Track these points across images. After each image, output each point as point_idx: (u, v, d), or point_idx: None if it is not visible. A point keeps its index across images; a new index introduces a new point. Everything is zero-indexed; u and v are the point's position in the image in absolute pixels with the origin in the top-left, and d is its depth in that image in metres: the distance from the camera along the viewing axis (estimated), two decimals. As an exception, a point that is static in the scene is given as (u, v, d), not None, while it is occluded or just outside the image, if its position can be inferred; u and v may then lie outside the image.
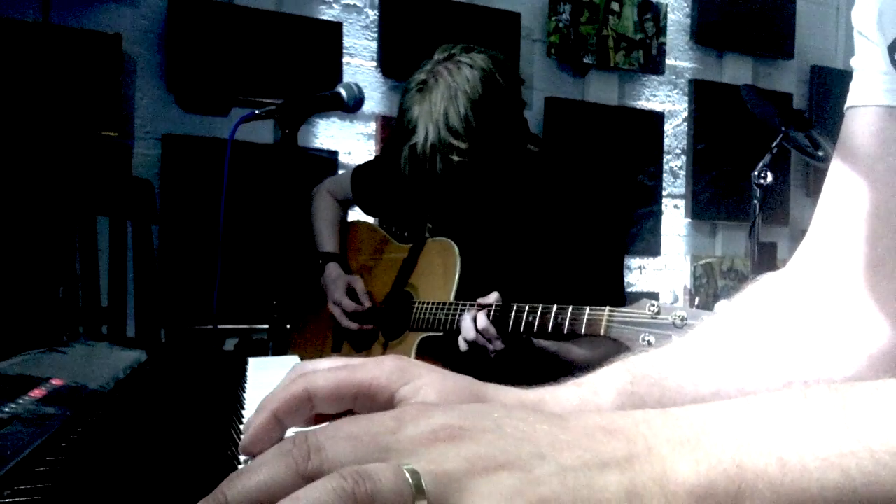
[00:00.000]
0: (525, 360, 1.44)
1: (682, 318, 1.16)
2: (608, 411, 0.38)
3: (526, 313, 1.37)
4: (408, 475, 0.30)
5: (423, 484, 0.30)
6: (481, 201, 1.56)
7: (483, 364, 1.42)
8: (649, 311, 1.20)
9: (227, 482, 0.32)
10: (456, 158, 1.43)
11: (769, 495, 0.32)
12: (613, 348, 1.40)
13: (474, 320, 1.41)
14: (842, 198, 0.65)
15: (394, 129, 1.59)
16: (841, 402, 0.34)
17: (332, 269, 1.81)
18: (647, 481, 0.33)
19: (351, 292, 1.74)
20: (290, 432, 0.50)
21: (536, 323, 1.35)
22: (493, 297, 1.42)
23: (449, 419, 0.34)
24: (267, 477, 0.31)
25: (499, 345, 1.41)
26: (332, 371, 0.47)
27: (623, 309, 1.24)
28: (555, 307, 1.32)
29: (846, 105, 0.66)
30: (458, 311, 1.48)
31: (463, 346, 1.44)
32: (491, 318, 1.41)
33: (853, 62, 0.66)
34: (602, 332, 1.25)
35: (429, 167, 1.46)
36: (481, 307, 1.42)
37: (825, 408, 0.34)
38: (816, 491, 0.32)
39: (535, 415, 0.36)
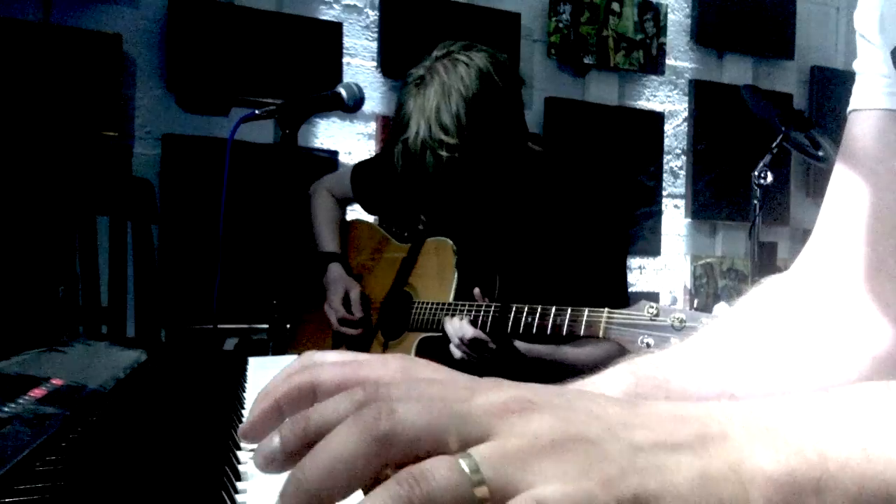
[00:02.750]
0: (517, 364, 1.44)
1: (681, 321, 1.16)
2: (677, 401, 0.37)
3: (525, 314, 1.37)
4: (465, 466, 0.29)
5: (482, 472, 0.29)
6: (476, 199, 1.56)
7: (481, 365, 1.42)
8: (648, 312, 1.20)
9: (304, 460, 0.31)
10: (445, 155, 1.43)
11: (852, 487, 0.31)
12: (607, 350, 1.40)
13: (460, 329, 1.42)
14: (845, 201, 0.65)
15: (392, 123, 1.59)
16: None
17: (334, 270, 1.81)
18: (722, 466, 0.32)
19: (345, 299, 1.75)
20: None
21: (535, 324, 1.35)
22: (470, 333, 1.41)
23: (521, 392, 0.33)
24: (341, 447, 0.31)
25: (491, 345, 1.41)
26: (337, 366, 0.47)
27: (622, 311, 1.24)
28: (553, 308, 1.32)
29: (849, 108, 0.66)
30: (458, 312, 1.48)
31: (456, 353, 1.45)
32: (490, 319, 1.42)
33: (855, 65, 0.66)
34: (601, 334, 1.25)
35: (419, 162, 1.46)
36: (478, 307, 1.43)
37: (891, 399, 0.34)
38: None
39: (605, 398, 0.35)
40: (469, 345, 1.41)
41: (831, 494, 0.31)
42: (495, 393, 0.33)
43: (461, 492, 0.29)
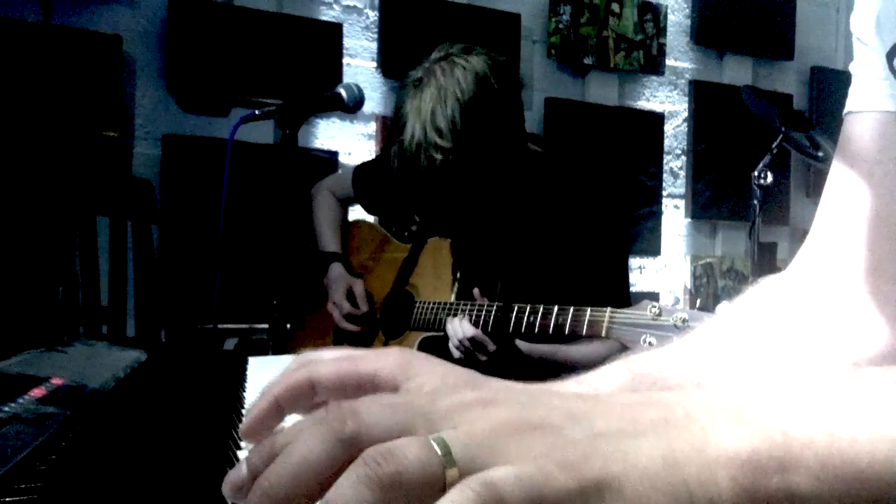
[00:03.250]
0: (518, 364, 1.44)
1: (684, 320, 1.16)
2: (642, 392, 0.37)
3: (527, 314, 1.36)
4: (435, 445, 0.29)
5: (452, 451, 0.29)
6: (472, 201, 1.56)
7: (480, 365, 1.42)
8: (650, 312, 1.19)
9: (270, 468, 0.31)
10: (439, 157, 1.43)
11: (816, 466, 0.31)
12: (609, 350, 1.40)
13: (460, 327, 1.42)
14: (841, 202, 0.66)
15: (391, 124, 1.59)
16: (892, 378, 0.34)
17: (335, 269, 1.81)
18: (686, 447, 0.32)
19: (350, 295, 1.75)
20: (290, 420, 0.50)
21: (538, 324, 1.35)
22: (470, 332, 1.42)
23: (484, 392, 0.34)
24: (306, 450, 0.31)
25: (491, 347, 1.41)
26: (335, 361, 0.47)
27: (624, 310, 1.24)
28: (556, 308, 1.32)
29: (845, 110, 0.66)
30: (459, 311, 1.48)
31: (455, 353, 1.45)
32: (492, 319, 1.42)
33: (852, 67, 0.66)
34: (603, 334, 1.25)
35: (414, 164, 1.46)
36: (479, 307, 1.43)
37: (874, 383, 0.34)
38: (866, 463, 0.31)
39: (570, 393, 0.36)
40: (468, 344, 1.42)
41: (795, 473, 0.31)
42: (459, 395, 0.33)
43: (432, 471, 0.29)
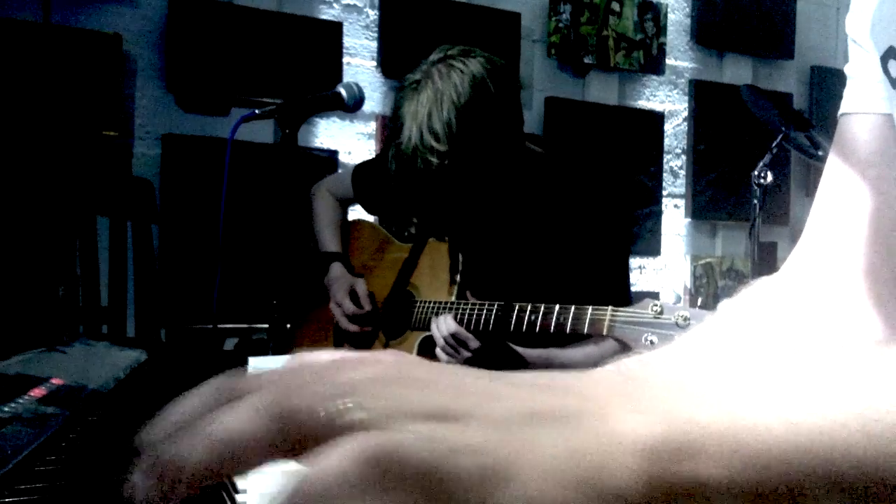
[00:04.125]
0: (511, 365, 1.44)
1: (685, 318, 1.16)
2: (552, 371, 0.37)
3: (528, 313, 1.36)
4: (342, 400, 0.29)
5: (354, 408, 0.29)
6: (467, 202, 1.56)
7: (466, 363, 1.42)
8: (652, 310, 1.19)
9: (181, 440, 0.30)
10: (434, 161, 1.43)
11: (724, 452, 0.31)
12: (606, 352, 1.40)
13: (444, 324, 1.43)
14: (835, 204, 0.66)
15: (389, 125, 1.59)
16: (805, 365, 0.34)
17: (336, 269, 1.81)
18: (591, 436, 0.31)
19: (353, 294, 1.74)
20: None
21: (539, 323, 1.35)
22: (452, 327, 1.43)
23: (381, 369, 0.33)
24: (193, 408, 0.31)
25: (474, 344, 1.41)
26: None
27: (626, 309, 1.24)
28: (557, 307, 1.32)
29: (839, 112, 0.67)
30: (460, 311, 1.48)
31: (441, 353, 1.45)
32: (492, 318, 1.42)
33: (847, 69, 0.66)
34: (605, 332, 1.25)
35: (411, 167, 1.46)
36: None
37: (788, 370, 0.33)
38: (774, 450, 0.31)
39: (476, 371, 0.35)
40: (451, 341, 1.42)
41: (699, 459, 0.31)
42: (362, 368, 0.33)
43: (333, 420, 0.29)
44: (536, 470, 0.30)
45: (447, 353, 1.44)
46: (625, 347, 1.23)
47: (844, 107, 0.66)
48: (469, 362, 1.43)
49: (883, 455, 0.31)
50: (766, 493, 0.31)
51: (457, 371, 0.34)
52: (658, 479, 0.31)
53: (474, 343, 1.42)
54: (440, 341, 1.44)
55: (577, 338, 1.37)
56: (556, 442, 0.31)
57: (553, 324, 1.32)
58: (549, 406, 0.32)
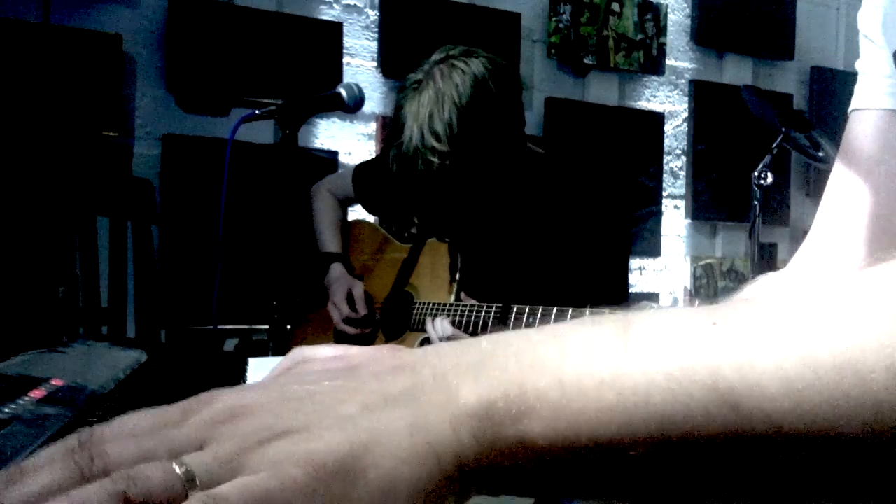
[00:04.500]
0: None
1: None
2: (402, 350, 0.38)
3: (526, 315, 1.37)
4: (178, 470, 0.30)
5: (195, 475, 0.30)
6: (469, 202, 1.56)
7: None
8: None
9: (5, 485, 0.31)
10: (436, 161, 1.43)
11: (548, 415, 0.32)
12: None
13: (440, 326, 1.44)
14: (843, 200, 0.66)
15: (390, 126, 1.59)
16: (624, 326, 0.34)
17: (336, 270, 1.81)
18: (431, 410, 0.32)
19: (349, 297, 1.75)
20: None
21: (537, 324, 1.35)
22: (448, 331, 1.44)
23: (233, 399, 0.33)
24: (49, 481, 0.31)
25: None
26: (330, 360, 0.47)
27: (623, 311, 1.24)
28: (555, 309, 1.32)
29: (850, 108, 0.66)
30: (459, 312, 1.48)
31: None
32: (491, 320, 1.42)
33: (857, 65, 0.66)
34: (602, 333, 1.25)
35: (412, 168, 1.46)
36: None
37: (608, 332, 0.34)
38: (593, 411, 0.32)
39: (325, 373, 0.36)
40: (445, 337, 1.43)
41: (526, 421, 0.32)
42: (207, 407, 0.33)
43: (175, 495, 0.29)
44: (379, 455, 0.31)
45: None
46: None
47: (855, 102, 0.66)
48: None
49: (683, 409, 0.31)
50: (589, 448, 0.32)
51: (300, 378, 0.35)
52: (487, 441, 0.32)
53: None
54: (435, 341, 1.45)
55: None
56: (397, 424, 0.32)
57: (551, 324, 1.32)
58: (392, 389, 0.33)
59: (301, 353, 0.46)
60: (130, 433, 0.33)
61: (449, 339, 1.43)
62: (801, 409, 0.30)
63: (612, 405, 0.32)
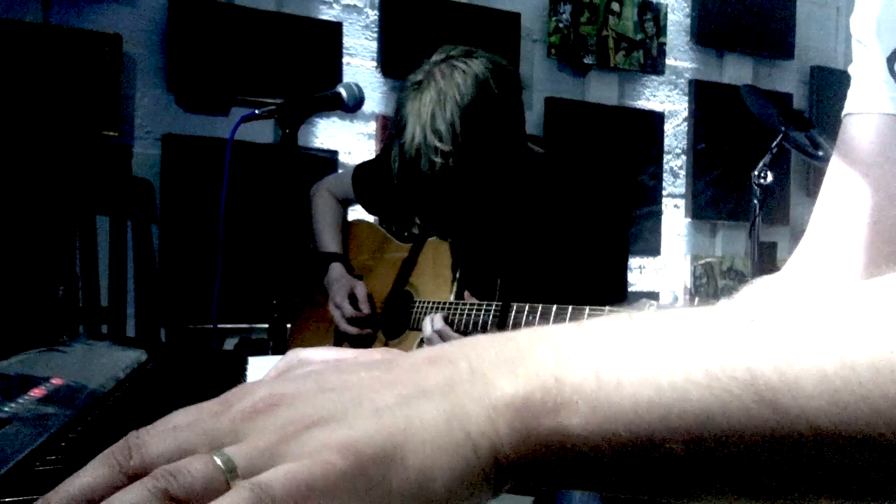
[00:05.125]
0: None
1: (682, 318, 1.16)
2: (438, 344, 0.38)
3: (526, 313, 1.37)
4: (218, 461, 0.30)
5: (236, 465, 0.30)
6: (471, 202, 1.56)
7: None
8: (648, 310, 1.19)
9: (50, 493, 0.31)
10: (438, 161, 1.43)
11: (585, 408, 0.32)
12: None
13: (431, 321, 1.44)
14: (838, 203, 0.66)
15: (391, 126, 1.60)
16: (661, 322, 0.34)
17: (336, 270, 1.81)
18: (468, 402, 0.33)
19: (352, 297, 1.75)
20: None
21: (536, 323, 1.35)
22: (438, 325, 1.44)
23: (270, 389, 0.34)
24: (91, 479, 0.31)
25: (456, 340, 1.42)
26: (323, 353, 0.47)
27: (622, 309, 1.24)
28: (555, 307, 1.32)
29: (844, 112, 0.66)
30: (459, 311, 1.48)
31: None
32: (490, 318, 1.42)
33: (851, 69, 0.66)
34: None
35: (414, 168, 1.47)
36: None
37: (646, 328, 0.34)
38: (630, 405, 0.32)
39: (360, 364, 0.36)
40: (437, 338, 1.43)
41: (562, 413, 0.32)
42: (246, 399, 0.34)
43: (216, 487, 0.30)
44: (416, 444, 0.31)
45: None
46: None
47: (848, 107, 0.66)
48: None
49: (721, 406, 0.31)
50: (625, 442, 0.32)
51: (338, 368, 0.36)
52: (524, 433, 0.32)
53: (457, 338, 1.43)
54: (427, 338, 1.46)
55: None
56: (436, 412, 0.32)
57: (550, 324, 1.32)
58: (428, 381, 0.34)
59: (297, 354, 0.46)
60: (169, 429, 0.33)
61: (439, 332, 1.44)
62: (838, 408, 0.30)
63: (650, 401, 0.32)
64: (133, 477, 0.31)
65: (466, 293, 1.51)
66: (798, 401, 0.30)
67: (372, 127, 2.76)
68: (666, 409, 0.32)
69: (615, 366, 0.33)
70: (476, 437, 0.32)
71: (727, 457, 0.32)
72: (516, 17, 2.97)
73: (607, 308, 1.26)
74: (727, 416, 0.31)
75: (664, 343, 0.33)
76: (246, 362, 0.93)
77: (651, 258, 3.30)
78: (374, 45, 2.77)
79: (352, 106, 1.54)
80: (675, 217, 3.38)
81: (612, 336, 0.34)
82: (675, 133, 3.38)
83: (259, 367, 0.90)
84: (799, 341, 0.31)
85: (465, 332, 1.46)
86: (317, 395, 0.33)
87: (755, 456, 0.31)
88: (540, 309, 1.35)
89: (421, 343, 1.58)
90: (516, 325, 1.38)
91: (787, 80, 3.59)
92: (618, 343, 0.34)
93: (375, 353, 0.46)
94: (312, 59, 2.62)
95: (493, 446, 0.32)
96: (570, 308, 1.30)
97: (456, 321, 1.48)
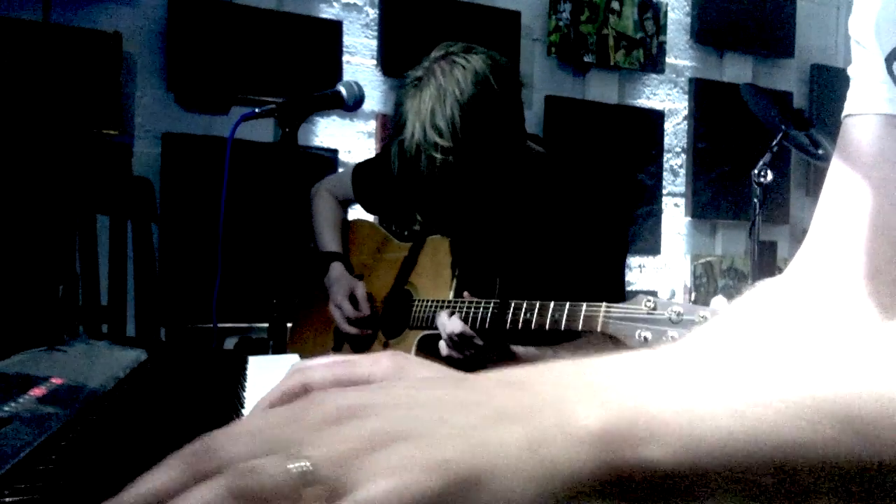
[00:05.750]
0: (508, 360, 1.45)
1: (678, 314, 1.16)
2: (517, 367, 0.38)
3: (524, 310, 1.37)
4: (295, 465, 0.30)
5: (313, 469, 0.30)
6: (472, 200, 1.56)
7: (471, 363, 1.43)
8: (645, 306, 1.20)
9: (127, 488, 0.31)
10: (439, 157, 1.43)
11: (672, 441, 0.32)
12: (599, 351, 1.41)
13: (448, 323, 1.44)
14: (839, 205, 0.66)
15: (391, 123, 1.60)
16: (749, 352, 0.34)
17: (336, 269, 1.81)
18: (550, 427, 0.32)
19: (352, 297, 1.75)
20: None
21: (534, 320, 1.35)
22: (458, 328, 1.43)
23: (347, 399, 0.34)
24: (163, 481, 0.31)
25: (478, 342, 1.42)
26: (329, 367, 0.47)
27: (619, 305, 1.24)
28: (552, 303, 1.32)
29: (844, 113, 0.66)
30: (458, 309, 1.48)
31: (444, 350, 1.45)
32: (489, 316, 1.42)
33: (850, 70, 0.66)
34: (599, 329, 1.25)
35: (414, 164, 1.46)
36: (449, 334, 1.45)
37: (734, 359, 0.34)
38: (718, 438, 0.32)
39: (441, 381, 0.36)
40: (456, 341, 1.42)
41: (648, 445, 0.32)
42: (321, 407, 0.33)
43: (292, 488, 0.29)
44: (501, 468, 0.31)
45: (453, 351, 1.45)
46: (619, 344, 1.23)
47: (848, 108, 0.66)
48: (471, 359, 1.43)
49: (813, 439, 0.31)
50: (713, 476, 0.32)
51: (417, 385, 0.35)
52: (608, 464, 0.32)
53: (478, 342, 1.42)
54: (445, 337, 1.45)
55: (575, 334, 1.38)
56: (517, 439, 0.32)
57: (548, 321, 1.32)
58: (511, 405, 0.33)
59: (301, 365, 0.47)
60: (241, 433, 0.33)
61: (459, 336, 1.43)
62: None
63: (740, 434, 0.32)
64: (204, 479, 0.31)
65: (466, 294, 1.51)
66: (892, 433, 0.30)
67: (372, 126, 2.76)
68: (756, 443, 0.32)
69: (702, 397, 0.33)
70: (557, 465, 0.32)
71: (817, 486, 0.32)
72: (516, 15, 2.96)
73: (603, 305, 1.26)
74: (820, 448, 0.31)
75: (751, 374, 0.33)
76: (246, 362, 0.93)
77: (651, 257, 3.30)
78: (374, 43, 2.77)
79: (352, 105, 1.54)
80: (674, 216, 3.38)
81: (698, 366, 0.34)
82: (675, 132, 3.37)
83: (259, 367, 0.90)
84: (892, 373, 0.31)
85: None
86: (395, 410, 0.33)
87: (845, 485, 0.31)
88: (537, 305, 1.35)
89: (421, 342, 1.58)
90: (514, 322, 1.38)
91: (787, 78, 3.59)
92: (703, 374, 0.34)
93: (383, 357, 0.46)
94: (312, 57, 2.62)
95: (574, 475, 0.32)
96: (567, 305, 1.31)
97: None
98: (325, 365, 0.46)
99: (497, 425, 0.32)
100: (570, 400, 0.34)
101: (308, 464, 0.30)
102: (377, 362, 0.47)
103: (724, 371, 0.34)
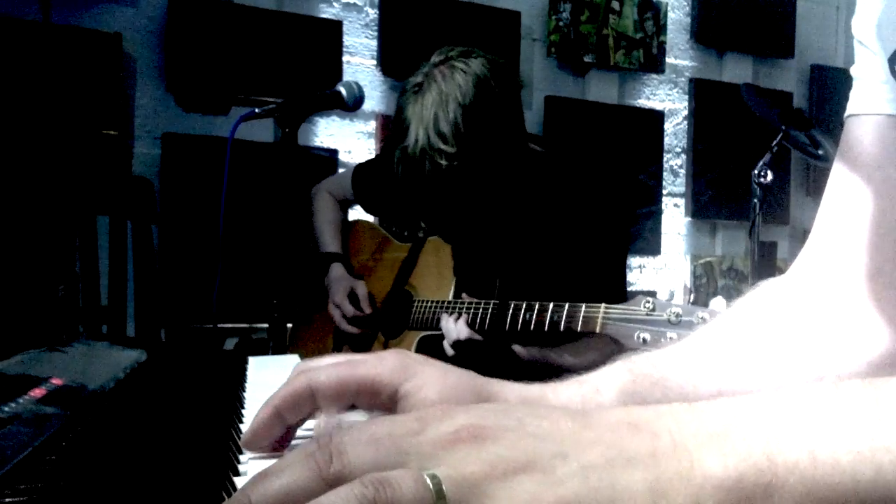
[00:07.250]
0: (512, 367, 1.45)
1: (677, 315, 1.16)
2: (631, 406, 0.37)
3: (523, 311, 1.37)
4: (428, 481, 0.30)
5: (444, 489, 0.30)
6: (476, 203, 1.56)
7: (474, 365, 1.43)
8: (644, 307, 1.20)
9: (251, 483, 0.32)
10: (444, 162, 1.43)
11: (801, 489, 0.32)
12: (601, 356, 1.41)
13: (455, 327, 1.44)
14: (841, 206, 0.66)
15: (391, 129, 1.60)
16: (874, 395, 0.34)
17: (336, 270, 1.81)
18: (673, 477, 0.32)
19: (352, 296, 1.75)
20: (302, 431, 0.50)
21: (534, 320, 1.35)
22: (465, 333, 1.43)
23: (471, 419, 0.34)
24: (290, 480, 0.31)
25: (484, 348, 1.42)
26: (334, 367, 0.47)
27: (618, 306, 1.24)
28: (551, 304, 1.33)
29: (846, 114, 0.66)
30: (457, 309, 1.48)
31: (449, 352, 1.45)
32: (488, 316, 1.42)
33: (853, 71, 0.66)
34: (598, 329, 1.25)
35: (418, 169, 1.46)
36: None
37: (858, 401, 0.34)
38: (849, 486, 0.31)
39: (558, 412, 0.36)
40: (463, 346, 1.42)
41: (779, 498, 0.32)
42: (446, 423, 0.33)
43: (425, 503, 0.29)
44: None
45: (458, 354, 1.46)
46: (618, 345, 1.23)
47: (851, 108, 0.66)
48: (478, 363, 1.43)
49: None
50: None
51: (536, 413, 0.35)
52: None
53: (485, 348, 1.43)
54: (451, 340, 1.46)
55: (574, 334, 1.38)
56: (643, 482, 0.32)
57: (547, 321, 1.33)
58: (631, 448, 0.33)
59: (305, 365, 0.47)
60: (368, 439, 0.33)
61: (467, 341, 1.43)
62: None
63: (871, 480, 0.31)
64: (332, 482, 0.31)
65: (464, 295, 1.51)
66: None
67: (372, 126, 2.76)
68: (889, 490, 0.31)
69: (829, 443, 0.32)
70: None
71: None
72: (516, 15, 2.96)
73: (602, 305, 1.26)
74: None
75: (879, 418, 0.32)
76: (246, 362, 0.93)
77: (651, 257, 3.30)
78: (374, 43, 2.77)
79: (351, 105, 1.54)
80: (674, 216, 3.38)
81: (821, 409, 0.34)
82: (675, 132, 3.37)
83: (259, 367, 0.90)
84: None
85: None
86: (521, 438, 0.33)
87: None
88: (536, 306, 1.35)
89: (421, 342, 1.58)
90: (513, 323, 1.38)
91: (787, 78, 3.59)
92: (828, 417, 0.33)
93: (388, 355, 0.46)
94: (312, 57, 2.62)
95: None
96: (567, 306, 1.31)
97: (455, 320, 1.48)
98: (330, 365, 0.46)
99: (618, 468, 0.32)
100: (691, 447, 0.33)
101: (442, 484, 0.30)
102: (382, 361, 0.46)
103: (850, 412, 0.33)
